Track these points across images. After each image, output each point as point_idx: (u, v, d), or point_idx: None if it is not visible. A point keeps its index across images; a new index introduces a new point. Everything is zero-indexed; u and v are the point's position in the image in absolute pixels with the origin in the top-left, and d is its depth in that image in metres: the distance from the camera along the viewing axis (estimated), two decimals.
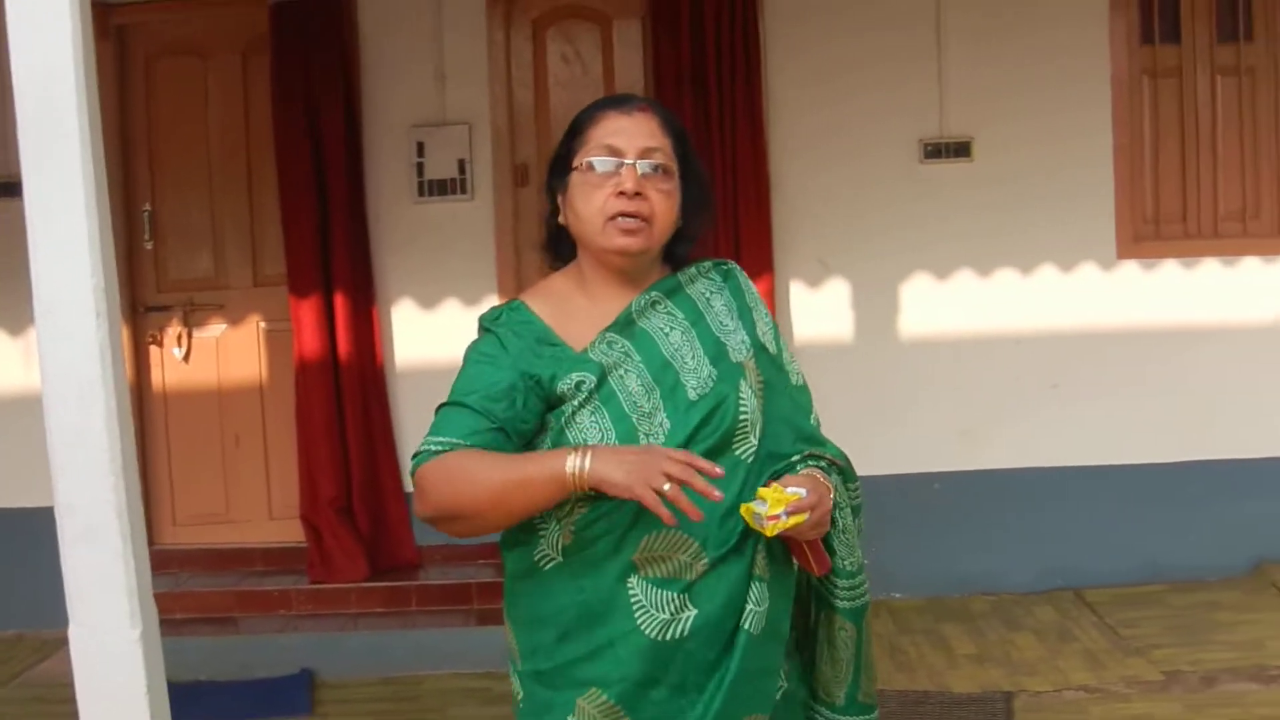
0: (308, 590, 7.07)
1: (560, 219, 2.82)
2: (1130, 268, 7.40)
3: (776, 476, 2.69)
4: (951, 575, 7.29)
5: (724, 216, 7.05)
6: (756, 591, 2.69)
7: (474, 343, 2.77)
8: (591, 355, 2.70)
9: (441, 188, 7.22)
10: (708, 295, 2.84)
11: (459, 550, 7.31)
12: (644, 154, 2.71)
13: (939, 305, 7.35)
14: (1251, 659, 6.26)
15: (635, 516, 2.59)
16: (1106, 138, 7.36)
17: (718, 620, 2.66)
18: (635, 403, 2.66)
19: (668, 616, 2.64)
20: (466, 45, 7.24)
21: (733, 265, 2.93)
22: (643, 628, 2.63)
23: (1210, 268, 7.45)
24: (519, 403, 2.63)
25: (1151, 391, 7.41)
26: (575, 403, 2.65)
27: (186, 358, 7.39)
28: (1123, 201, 7.39)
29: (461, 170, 7.21)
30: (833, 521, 2.75)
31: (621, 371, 2.69)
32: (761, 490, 2.61)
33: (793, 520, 2.55)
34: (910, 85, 7.29)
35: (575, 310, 2.78)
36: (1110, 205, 7.37)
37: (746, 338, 2.80)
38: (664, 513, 2.39)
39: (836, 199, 7.31)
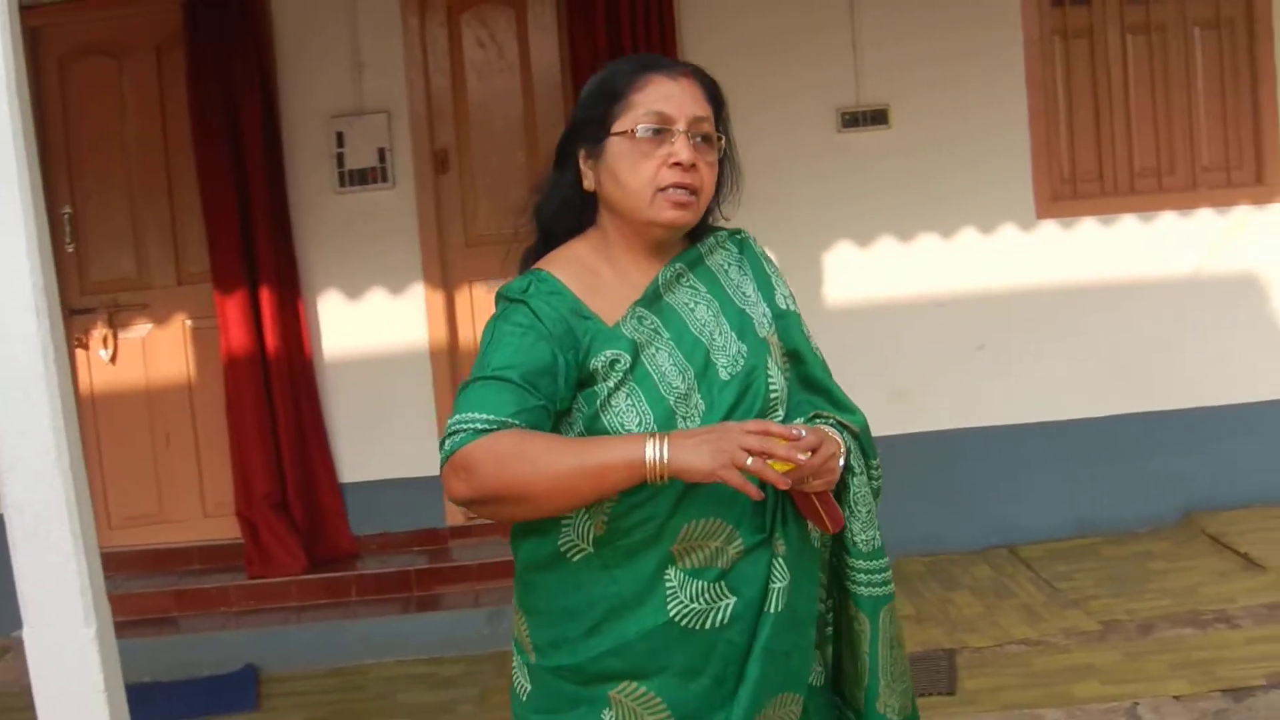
0: (247, 586, 7.05)
1: (588, 185, 2.67)
2: (1049, 227, 7.48)
3: None
4: (886, 538, 7.29)
5: None
6: (778, 568, 2.59)
7: (501, 314, 2.59)
8: (624, 330, 2.58)
9: (362, 177, 7.20)
10: (726, 267, 2.75)
11: (395, 539, 7.35)
12: (694, 124, 2.59)
13: (863, 272, 7.40)
14: (1186, 605, 6.37)
15: (675, 505, 2.50)
16: (1021, 100, 7.43)
17: (758, 605, 2.57)
18: (670, 383, 2.55)
19: (704, 606, 2.54)
20: (382, 34, 7.23)
21: (746, 234, 2.84)
22: (680, 619, 2.53)
23: (1128, 224, 7.54)
24: (560, 381, 2.49)
25: (1076, 348, 7.51)
26: (609, 384, 2.53)
27: (113, 359, 7.33)
28: (1039, 162, 7.47)
29: (382, 159, 7.20)
30: (844, 485, 2.63)
31: (653, 349, 2.58)
32: None
33: (782, 465, 2.39)
34: (826, 57, 7.34)
35: (601, 282, 2.64)
36: (1027, 166, 7.45)
37: (768, 309, 2.71)
38: (752, 490, 2.32)
39: (756, 171, 7.28)
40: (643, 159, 2.58)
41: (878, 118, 7.31)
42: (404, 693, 6.22)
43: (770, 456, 2.31)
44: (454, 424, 2.44)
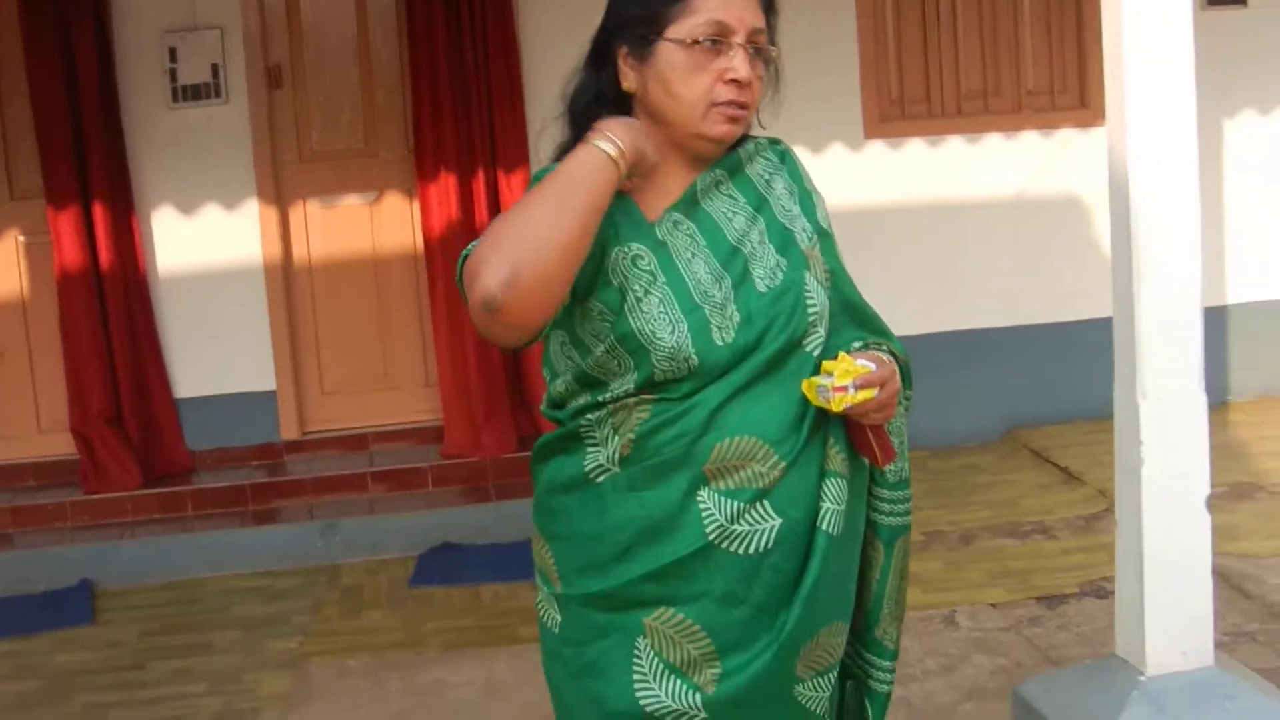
0: (82, 501, 7.05)
1: (627, 86, 2.50)
2: (877, 147, 7.63)
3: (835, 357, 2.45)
4: None
5: (479, 115, 7.19)
6: (834, 489, 2.48)
7: (536, 176, 2.46)
8: (658, 232, 2.46)
9: (195, 93, 7.19)
10: (767, 177, 2.59)
11: (231, 453, 7.40)
12: (752, 35, 2.43)
13: None
14: (1006, 516, 6.58)
15: (707, 422, 2.40)
16: (850, 21, 7.55)
17: (805, 528, 2.46)
18: (705, 290, 2.42)
19: (746, 528, 2.42)
20: None
21: (786, 145, 2.68)
22: (720, 543, 2.42)
23: (954, 145, 7.70)
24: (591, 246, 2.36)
25: (902, 267, 7.65)
26: (639, 287, 2.40)
27: None
28: (868, 82, 7.60)
29: (215, 75, 7.18)
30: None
31: (689, 256, 2.45)
32: (827, 363, 2.41)
33: (861, 395, 2.35)
34: None
35: (634, 182, 2.48)
36: (856, 86, 7.58)
37: (808, 224, 2.56)
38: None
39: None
40: (698, 71, 2.42)
41: None
42: (238, 605, 6.28)
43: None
44: (463, 253, 2.36)
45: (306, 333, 7.54)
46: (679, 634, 2.45)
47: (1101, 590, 5.57)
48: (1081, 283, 7.66)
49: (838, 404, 2.36)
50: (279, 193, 7.38)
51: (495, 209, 7.22)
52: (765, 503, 2.42)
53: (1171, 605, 4.03)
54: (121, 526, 6.97)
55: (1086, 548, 6.11)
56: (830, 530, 2.47)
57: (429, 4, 7.04)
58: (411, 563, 6.56)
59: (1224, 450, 7.35)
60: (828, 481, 2.48)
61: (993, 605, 5.56)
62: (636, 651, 2.48)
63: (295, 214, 7.47)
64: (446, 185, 7.14)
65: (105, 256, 7.03)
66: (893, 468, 2.64)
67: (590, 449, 2.47)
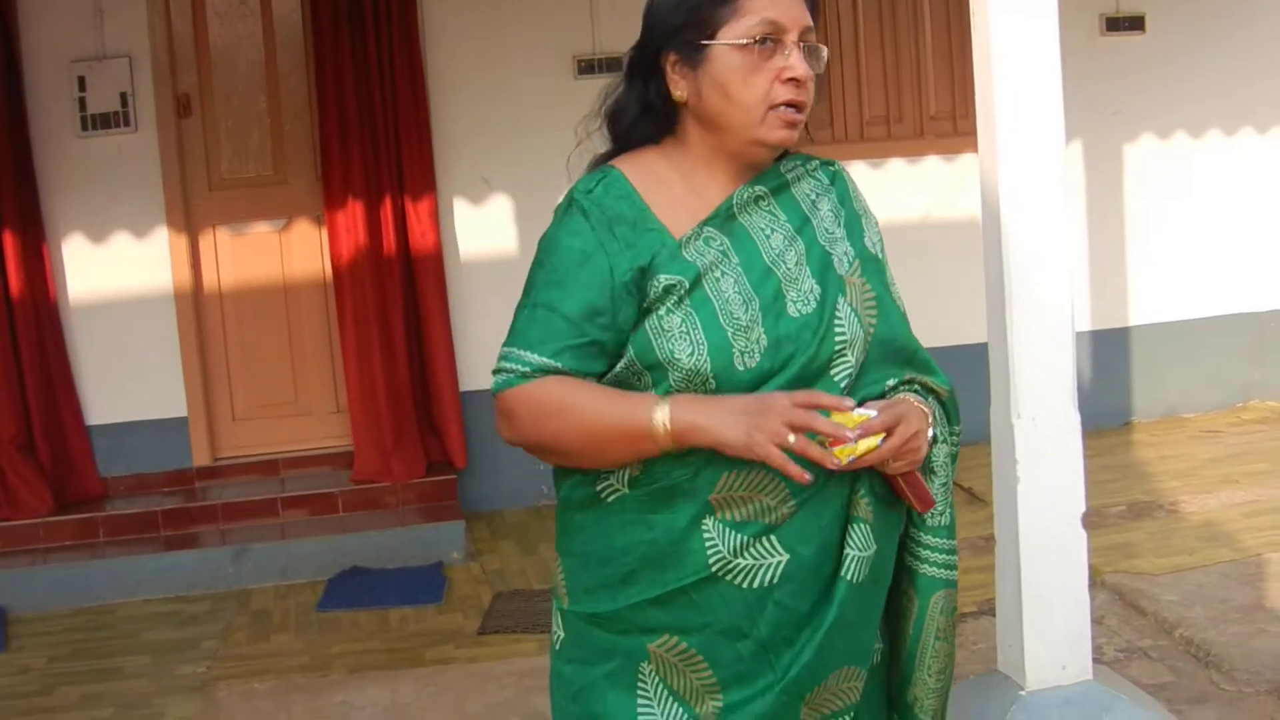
0: None
1: (678, 96, 2.43)
2: None
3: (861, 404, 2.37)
4: None
5: (385, 142, 7.23)
6: (859, 535, 2.41)
7: (562, 221, 2.44)
8: (686, 253, 2.37)
9: (105, 121, 7.20)
10: (813, 197, 2.50)
11: (144, 480, 7.42)
12: (805, 33, 2.37)
13: None
14: None
15: (712, 450, 2.30)
16: None
17: (812, 566, 2.39)
18: (732, 312, 2.34)
19: (750, 561, 2.36)
20: None
21: (839, 166, 2.59)
22: (723, 574, 2.36)
23: (858, 170, 7.79)
24: (617, 313, 2.36)
25: None
26: (666, 306, 2.34)
27: None
28: None
29: (124, 103, 7.20)
30: (927, 465, 2.48)
31: (718, 274, 2.36)
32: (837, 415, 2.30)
33: (864, 445, 2.26)
34: (564, 6, 7.52)
35: (673, 194, 2.43)
36: None
37: (851, 248, 2.48)
38: (795, 471, 2.21)
39: (496, 119, 7.52)
40: (754, 72, 2.35)
41: (614, 65, 7.42)
42: (149, 630, 6.30)
43: (813, 430, 2.21)
44: (502, 358, 2.39)
45: (217, 359, 7.56)
46: (682, 663, 2.41)
47: None
48: (982, 305, 7.73)
49: (842, 455, 2.25)
50: (189, 220, 7.41)
51: (403, 236, 7.32)
52: (772, 537, 2.36)
53: (1049, 620, 4.15)
54: (34, 553, 6.97)
55: (984, 567, 6.13)
56: (853, 579, 2.40)
57: (335, 33, 7.11)
58: (320, 587, 6.61)
59: (1125, 470, 7.51)
60: (853, 528, 2.41)
61: None
62: (641, 677, 2.44)
63: (205, 241, 7.50)
64: (354, 213, 7.20)
65: (15, 284, 7.03)
66: (932, 512, 2.51)
67: (605, 469, 2.41)
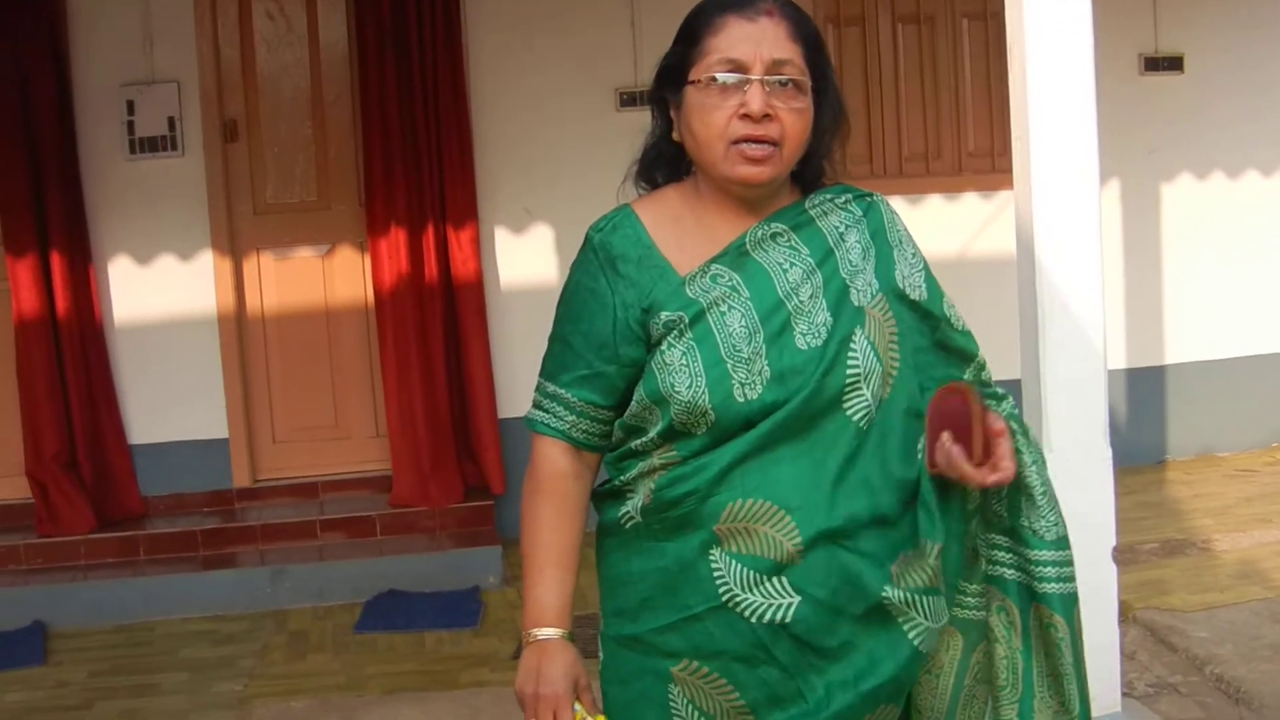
0: (36, 544, 7.11)
1: (675, 136, 2.48)
2: None
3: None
4: None
5: (429, 170, 7.30)
6: (929, 605, 2.41)
7: (579, 259, 2.52)
8: (689, 289, 2.40)
9: (152, 145, 7.30)
10: (841, 230, 2.48)
11: (184, 500, 7.49)
12: (772, 68, 2.35)
13: None
14: None
15: (717, 481, 2.36)
16: None
17: (831, 608, 2.37)
18: (734, 345, 2.36)
19: (760, 600, 2.37)
20: (173, 4, 7.33)
21: (878, 197, 2.58)
22: (732, 605, 2.38)
23: (897, 206, 7.75)
24: (620, 348, 2.44)
25: None
26: (668, 340, 2.38)
27: None
28: None
29: (171, 127, 7.31)
30: (1022, 481, 2.46)
31: (724, 308, 2.38)
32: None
33: None
34: (607, 33, 7.59)
35: (684, 232, 2.47)
36: None
37: (874, 280, 2.45)
38: None
39: (539, 149, 7.59)
40: (714, 110, 2.36)
41: None
42: (187, 648, 6.36)
43: None
44: (537, 391, 2.56)
45: (259, 382, 7.64)
46: (708, 686, 2.43)
47: None
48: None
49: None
50: (233, 244, 7.50)
51: (444, 264, 7.39)
52: (783, 578, 2.36)
53: None
54: (74, 569, 7.04)
55: None
56: (921, 646, 2.41)
57: (381, 61, 7.20)
58: (357, 609, 6.66)
59: (1159, 507, 7.50)
60: (924, 599, 2.40)
61: None
62: (671, 698, 2.47)
63: (249, 265, 7.59)
64: (397, 239, 7.27)
65: (62, 304, 7.13)
66: (1045, 522, 2.50)
67: (629, 496, 2.47)
